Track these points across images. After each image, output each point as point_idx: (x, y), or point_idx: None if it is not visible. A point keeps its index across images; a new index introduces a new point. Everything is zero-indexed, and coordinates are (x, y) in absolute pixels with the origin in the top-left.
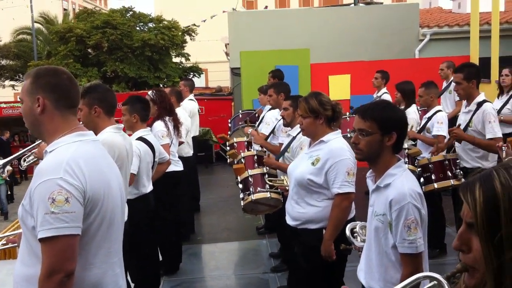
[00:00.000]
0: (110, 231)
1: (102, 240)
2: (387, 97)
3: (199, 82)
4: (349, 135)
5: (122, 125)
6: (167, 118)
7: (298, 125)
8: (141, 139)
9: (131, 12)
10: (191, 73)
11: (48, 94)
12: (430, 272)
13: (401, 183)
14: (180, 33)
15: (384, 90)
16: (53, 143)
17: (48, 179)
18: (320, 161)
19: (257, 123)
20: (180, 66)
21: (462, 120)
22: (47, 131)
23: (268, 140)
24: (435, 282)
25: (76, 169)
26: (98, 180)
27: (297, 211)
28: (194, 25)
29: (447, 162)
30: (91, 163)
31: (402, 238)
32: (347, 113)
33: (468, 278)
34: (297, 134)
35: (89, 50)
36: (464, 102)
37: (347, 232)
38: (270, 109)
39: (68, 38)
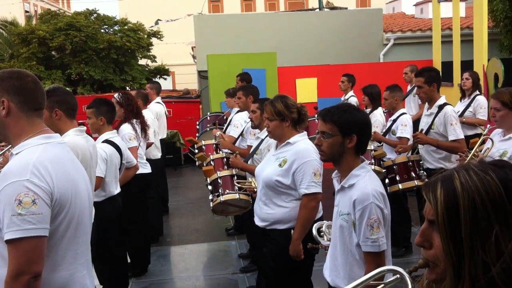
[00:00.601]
0: (78, 233)
1: (70, 241)
2: (354, 100)
3: (166, 85)
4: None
5: (84, 128)
6: (134, 121)
7: None
8: (107, 141)
9: (95, 15)
10: (158, 75)
11: (13, 97)
12: (393, 266)
13: (365, 183)
14: (146, 36)
15: (351, 93)
16: (19, 145)
17: (14, 181)
18: (287, 163)
19: (225, 125)
20: (147, 69)
21: (424, 122)
22: (13, 134)
23: (237, 142)
24: (398, 275)
25: (43, 171)
26: (65, 182)
27: (265, 212)
28: (158, 21)
29: (411, 163)
30: (57, 165)
31: (365, 237)
32: (316, 115)
33: (429, 273)
34: (266, 137)
35: (53, 53)
36: (426, 105)
37: (314, 231)
38: (237, 112)
39: (30, 40)
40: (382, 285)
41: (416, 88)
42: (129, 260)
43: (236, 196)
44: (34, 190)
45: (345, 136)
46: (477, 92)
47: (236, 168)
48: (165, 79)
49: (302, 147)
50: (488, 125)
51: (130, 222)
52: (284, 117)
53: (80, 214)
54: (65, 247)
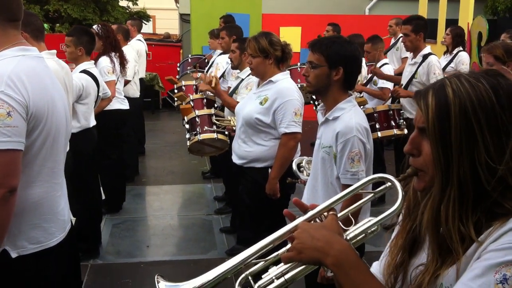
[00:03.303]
0: (54, 150)
1: (46, 158)
2: None
3: (146, 29)
4: (299, 86)
5: (55, 51)
6: (112, 54)
7: (247, 68)
8: (85, 72)
9: None
10: (139, 19)
11: None
12: (384, 174)
13: (349, 117)
14: None
15: None
16: None
17: None
18: (268, 101)
19: (206, 68)
20: (127, 11)
21: (408, 71)
22: None
23: None
24: (389, 183)
25: (19, 83)
26: (42, 96)
27: (244, 150)
28: None
29: (391, 112)
30: (34, 79)
31: (345, 169)
32: (298, 63)
33: (417, 182)
34: (247, 76)
35: None
36: (410, 55)
37: (294, 166)
38: (220, 54)
39: None
40: (372, 194)
41: (401, 42)
42: (103, 197)
43: (214, 135)
44: (9, 102)
45: (331, 68)
46: (460, 48)
47: (216, 95)
48: (145, 23)
49: (284, 85)
50: None
51: (105, 158)
52: (268, 54)
53: (56, 131)
54: (41, 163)
